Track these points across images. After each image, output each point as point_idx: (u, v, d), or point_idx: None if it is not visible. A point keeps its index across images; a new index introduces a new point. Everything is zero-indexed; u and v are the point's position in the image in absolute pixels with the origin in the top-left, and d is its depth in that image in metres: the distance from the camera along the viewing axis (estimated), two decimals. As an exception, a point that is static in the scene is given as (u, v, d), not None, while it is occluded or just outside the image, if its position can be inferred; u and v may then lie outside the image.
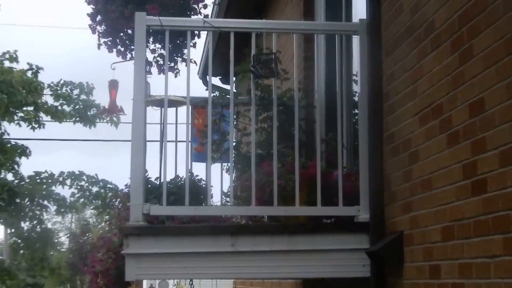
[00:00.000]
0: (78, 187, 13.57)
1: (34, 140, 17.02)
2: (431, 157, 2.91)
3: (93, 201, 13.74)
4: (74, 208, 14.24)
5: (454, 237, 2.67)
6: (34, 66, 12.92)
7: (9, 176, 13.35)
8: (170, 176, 4.30)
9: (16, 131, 18.53)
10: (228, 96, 4.30)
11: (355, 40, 4.15)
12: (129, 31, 5.12)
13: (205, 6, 5.24)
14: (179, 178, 4.34)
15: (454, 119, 2.71)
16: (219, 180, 4.48)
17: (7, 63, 12.88)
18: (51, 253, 24.84)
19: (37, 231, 13.89)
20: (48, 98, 13.13)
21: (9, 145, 13.09)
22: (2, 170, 13.17)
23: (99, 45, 5.39)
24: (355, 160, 4.07)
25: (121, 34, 5.18)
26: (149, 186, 4.13)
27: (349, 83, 4.37)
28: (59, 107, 13.11)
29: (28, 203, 13.39)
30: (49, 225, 25.92)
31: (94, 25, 5.23)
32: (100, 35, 5.27)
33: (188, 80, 3.61)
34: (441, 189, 2.80)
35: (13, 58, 12.93)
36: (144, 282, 17.66)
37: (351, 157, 4.26)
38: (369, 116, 3.54)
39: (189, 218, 3.79)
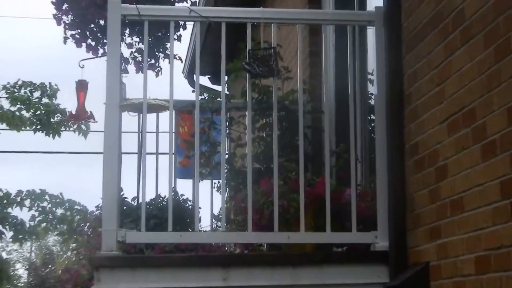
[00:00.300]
0: (40, 208, 13.55)
1: (-14, 152, 17.01)
2: (462, 173, 2.91)
3: (57, 226, 13.70)
4: (34, 234, 14.20)
5: (490, 269, 2.67)
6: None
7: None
8: (150, 195, 4.31)
9: (-36, 141, 18.56)
10: (219, 99, 4.32)
11: (370, 32, 4.16)
12: (101, 22, 5.14)
13: (192, -8, 5.27)
14: (161, 198, 4.34)
15: (489, 126, 2.72)
16: (208, 200, 4.49)
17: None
18: (7, 288, 24.76)
19: (-11, 262, 13.86)
20: (3, 101, 13.16)
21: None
22: None
23: (65, 39, 5.41)
24: (371, 176, 4.08)
25: (92, 25, 5.21)
26: (125, 207, 4.13)
27: (364, 83, 4.38)
28: (17, 113, 13.12)
29: (-22, 228, 13.37)
30: (4, 255, 25.79)
31: (60, 15, 5.26)
32: (67, 26, 5.29)
33: (171, 80, 3.62)
34: (475, 211, 2.80)
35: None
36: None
37: (367, 172, 4.26)
38: (388, 123, 3.55)
39: (173, 246, 3.79)
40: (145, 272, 3.45)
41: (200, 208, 3.88)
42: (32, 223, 13.63)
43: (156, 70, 5.50)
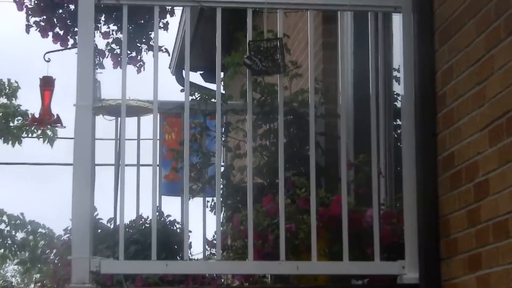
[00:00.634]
0: (-4, 232, 13.56)
1: None
2: (506, 190, 2.92)
3: (18, 253, 13.70)
4: (-11, 263, 14.22)
5: (541, 306, 2.68)
6: None
7: None
8: (129, 216, 4.31)
9: None
10: (213, 100, 4.33)
11: (396, 20, 4.18)
12: (71, 7, 5.16)
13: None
14: (143, 220, 4.35)
15: (539, 134, 2.73)
16: (200, 222, 4.49)
17: None
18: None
19: None
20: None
21: None
22: None
23: (28, 27, 5.43)
24: (397, 193, 4.09)
25: (60, 10, 5.22)
26: (99, 231, 4.14)
27: (388, 81, 4.39)
28: (-31, 116, 13.16)
29: None
30: (-47, 288, 25.73)
31: (22, -1, 5.27)
32: (30, 12, 5.31)
33: (155, 77, 3.63)
34: (522, 236, 2.81)
35: None
36: None
37: (392, 189, 4.27)
38: (417, 130, 3.56)
39: (158, 278, 3.79)
40: (124, 309, 3.46)
41: (190, 231, 3.88)
42: (-14, 249, 13.65)
43: (137, 65, 5.52)
